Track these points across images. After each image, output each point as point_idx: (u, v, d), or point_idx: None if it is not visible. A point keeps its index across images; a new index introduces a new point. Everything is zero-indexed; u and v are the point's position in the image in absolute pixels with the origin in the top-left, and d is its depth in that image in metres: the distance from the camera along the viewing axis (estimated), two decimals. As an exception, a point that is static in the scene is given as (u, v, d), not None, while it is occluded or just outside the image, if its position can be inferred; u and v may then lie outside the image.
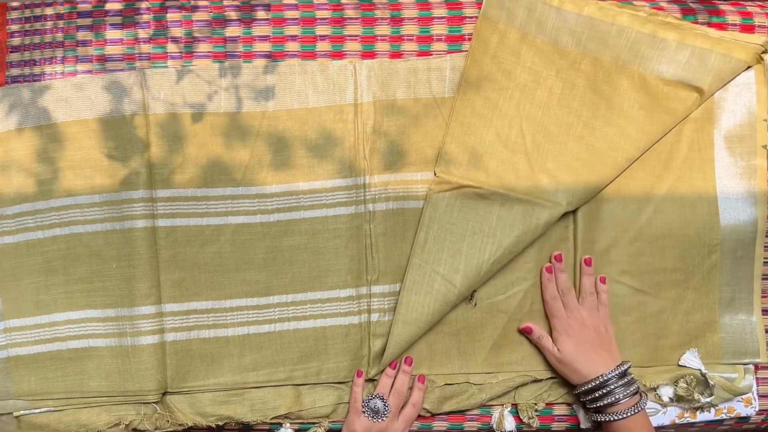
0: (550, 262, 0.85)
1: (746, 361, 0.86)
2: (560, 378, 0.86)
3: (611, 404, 0.79)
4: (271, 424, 0.86)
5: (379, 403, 0.82)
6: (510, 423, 0.85)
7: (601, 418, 0.80)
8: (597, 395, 0.79)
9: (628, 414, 0.78)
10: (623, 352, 0.85)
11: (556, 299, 0.84)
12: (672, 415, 0.86)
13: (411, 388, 0.85)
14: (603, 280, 0.84)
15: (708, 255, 0.86)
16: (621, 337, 0.85)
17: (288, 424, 0.86)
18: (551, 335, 0.84)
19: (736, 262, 0.87)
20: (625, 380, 0.79)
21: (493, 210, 0.82)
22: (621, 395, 0.78)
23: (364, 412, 0.82)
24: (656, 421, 0.86)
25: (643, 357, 0.86)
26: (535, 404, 0.86)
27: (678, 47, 0.82)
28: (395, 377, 0.84)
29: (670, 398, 0.85)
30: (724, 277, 0.87)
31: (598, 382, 0.80)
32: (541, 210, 0.82)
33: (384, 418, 0.82)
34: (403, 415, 0.83)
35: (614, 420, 0.78)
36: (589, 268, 0.84)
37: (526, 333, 0.85)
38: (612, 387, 0.79)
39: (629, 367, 0.81)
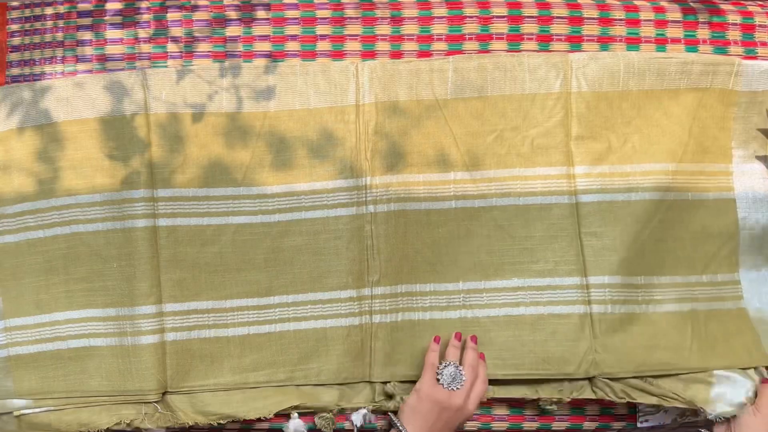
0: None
1: None
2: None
3: None
4: (272, 422, 0.86)
5: (452, 368, 0.80)
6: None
7: None
8: None
9: None
10: (660, 354, 0.85)
11: None
12: (673, 413, 0.86)
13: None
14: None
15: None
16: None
17: (296, 414, 0.85)
18: None
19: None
20: None
21: None
22: None
23: (438, 379, 0.80)
24: (658, 419, 0.86)
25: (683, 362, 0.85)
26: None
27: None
28: (463, 353, 0.83)
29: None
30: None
31: None
32: None
33: (460, 386, 0.79)
34: (475, 393, 0.81)
35: None
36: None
37: None
38: None
39: None
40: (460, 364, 0.82)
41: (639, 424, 0.86)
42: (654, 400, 0.83)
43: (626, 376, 0.84)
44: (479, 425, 0.87)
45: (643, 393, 0.84)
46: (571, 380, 0.85)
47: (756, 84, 0.87)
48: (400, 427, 0.79)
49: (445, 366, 0.81)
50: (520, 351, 0.85)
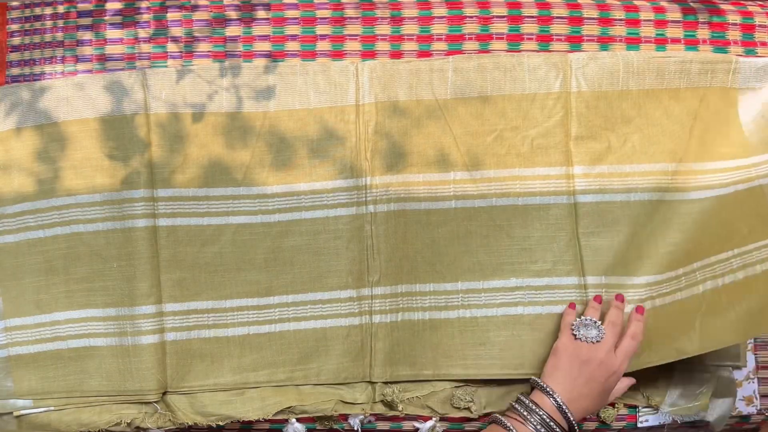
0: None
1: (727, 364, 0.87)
2: None
3: None
4: (272, 423, 0.86)
5: (589, 322, 0.78)
6: None
7: None
8: None
9: None
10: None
11: None
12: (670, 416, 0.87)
13: (627, 322, 0.81)
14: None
15: None
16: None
17: (294, 419, 0.85)
18: None
19: None
20: None
21: None
22: None
23: (575, 335, 0.78)
24: (657, 419, 0.86)
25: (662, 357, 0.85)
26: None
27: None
28: (610, 312, 0.80)
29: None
30: None
31: None
32: None
33: (599, 339, 0.77)
34: (621, 349, 0.78)
35: None
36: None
37: None
38: None
39: None
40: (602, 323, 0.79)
41: (639, 424, 0.87)
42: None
43: None
44: (479, 425, 0.87)
45: None
46: None
47: (753, 81, 0.87)
48: (543, 385, 0.76)
49: (581, 321, 0.79)
50: (519, 351, 0.85)
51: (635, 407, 0.87)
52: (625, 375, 0.80)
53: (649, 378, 0.86)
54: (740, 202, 0.86)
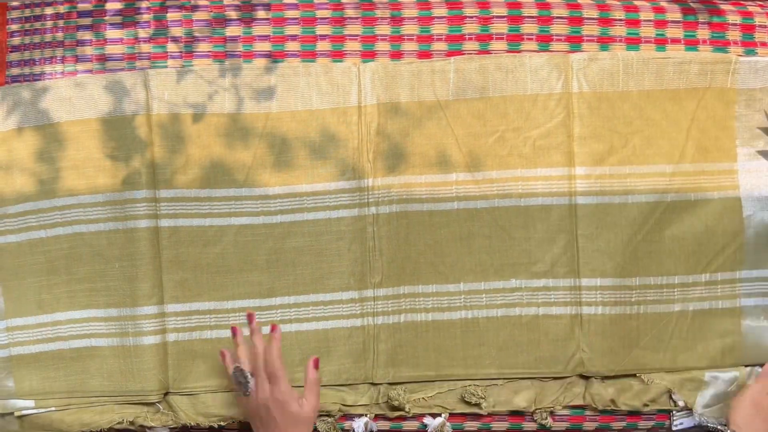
0: None
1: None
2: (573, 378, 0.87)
3: None
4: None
5: None
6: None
7: None
8: None
9: None
10: (641, 353, 0.86)
11: None
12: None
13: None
14: None
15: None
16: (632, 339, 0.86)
17: None
18: None
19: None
20: None
21: None
22: None
23: None
24: (692, 420, 0.87)
25: (664, 361, 0.86)
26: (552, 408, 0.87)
27: None
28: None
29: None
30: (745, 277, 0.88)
31: None
32: None
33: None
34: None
35: None
36: None
37: None
38: None
39: None
40: None
41: (674, 428, 0.87)
42: (637, 405, 0.86)
43: (609, 375, 0.86)
44: (479, 425, 0.87)
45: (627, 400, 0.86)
46: (564, 386, 0.87)
47: (753, 81, 0.88)
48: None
49: None
50: (514, 351, 0.86)
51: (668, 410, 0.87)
52: None
53: (683, 380, 0.86)
54: (720, 213, 0.87)
